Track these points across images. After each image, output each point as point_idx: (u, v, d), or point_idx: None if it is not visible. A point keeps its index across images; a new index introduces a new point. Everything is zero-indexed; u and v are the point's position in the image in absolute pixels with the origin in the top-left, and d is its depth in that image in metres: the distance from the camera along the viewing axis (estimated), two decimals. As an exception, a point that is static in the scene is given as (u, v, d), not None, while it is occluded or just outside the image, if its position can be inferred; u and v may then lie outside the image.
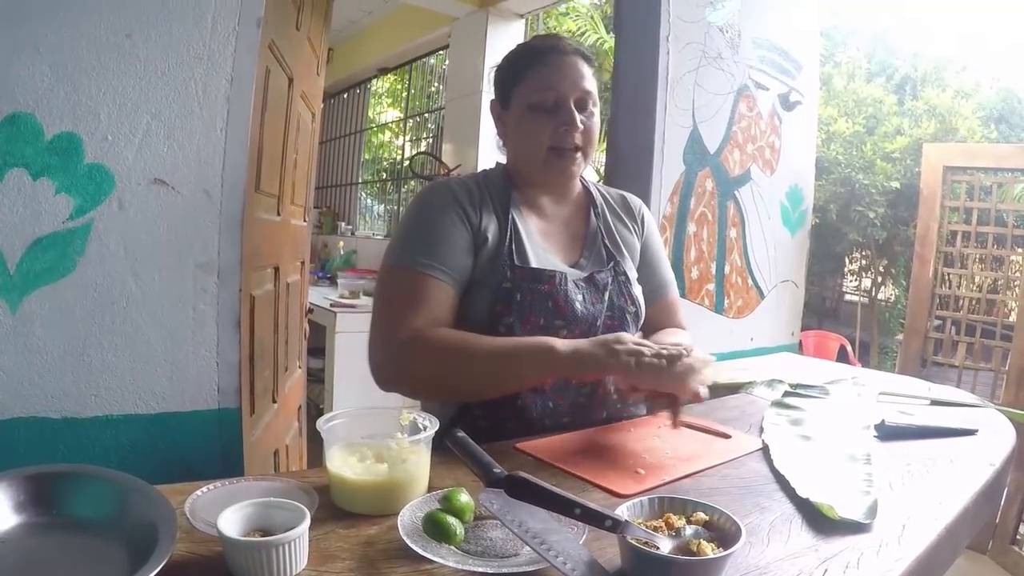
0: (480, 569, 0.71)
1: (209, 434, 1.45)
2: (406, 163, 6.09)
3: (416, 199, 1.35)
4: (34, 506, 0.74)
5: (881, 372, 2.15)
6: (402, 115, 6.78)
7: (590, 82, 1.33)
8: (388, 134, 7.36)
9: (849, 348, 5.16)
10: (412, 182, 6.00)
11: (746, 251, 2.77)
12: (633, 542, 0.69)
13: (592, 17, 5.87)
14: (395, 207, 6.56)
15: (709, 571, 0.69)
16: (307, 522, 0.70)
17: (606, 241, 1.42)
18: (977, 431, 1.34)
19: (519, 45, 1.42)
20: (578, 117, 1.30)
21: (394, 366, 1.20)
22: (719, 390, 1.63)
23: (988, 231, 3.34)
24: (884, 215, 5.65)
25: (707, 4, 2.47)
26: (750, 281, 2.81)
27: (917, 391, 1.67)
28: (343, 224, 6.60)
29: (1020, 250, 4.25)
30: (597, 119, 1.36)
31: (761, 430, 1.27)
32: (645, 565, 0.69)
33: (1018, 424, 1.47)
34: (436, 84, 6.18)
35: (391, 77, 6.89)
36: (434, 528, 0.76)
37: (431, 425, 0.93)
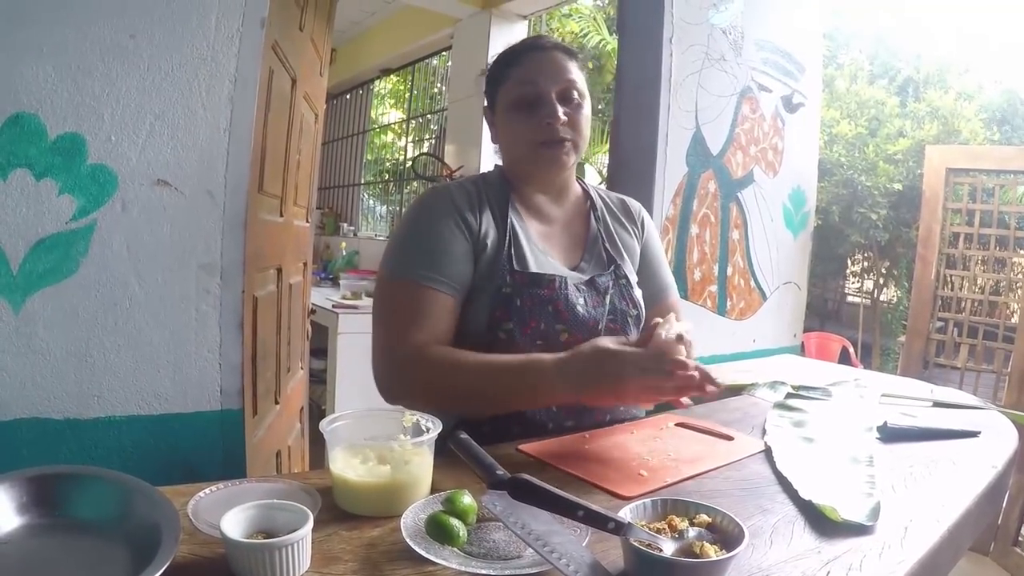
0: (483, 571, 0.71)
1: (211, 435, 1.46)
2: (408, 164, 6.09)
3: (414, 206, 1.33)
4: (37, 507, 0.74)
5: (883, 374, 2.15)
6: (405, 116, 6.78)
7: (573, 73, 1.32)
8: (391, 135, 7.37)
9: (851, 350, 5.16)
10: (415, 183, 6.01)
11: (748, 253, 2.77)
12: (636, 544, 0.69)
13: (595, 19, 5.88)
14: (397, 208, 6.56)
15: (712, 573, 0.69)
16: (310, 524, 0.70)
17: (606, 244, 1.41)
18: (979, 433, 1.34)
19: (504, 50, 1.42)
20: (560, 109, 1.28)
21: (397, 383, 1.19)
22: (721, 392, 1.63)
23: (990, 233, 3.34)
24: (886, 217, 5.65)
25: (710, 6, 2.47)
26: (752, 283, 2.81)
27: (919, 393, 1.67)
28: (345, 225, 6.60)
29: (1022, 252, 4.24)
30: (586, 111, 1.34)
31: (764, 432, 1.27)
32: (648, 567, 0.69)
33: (1020, 426, 1.46)
34: (439, 85, 6.18)
35: (394, 78, 6.90)
36: (437, 530, 0.76)
37: (434, 427, 0.93)
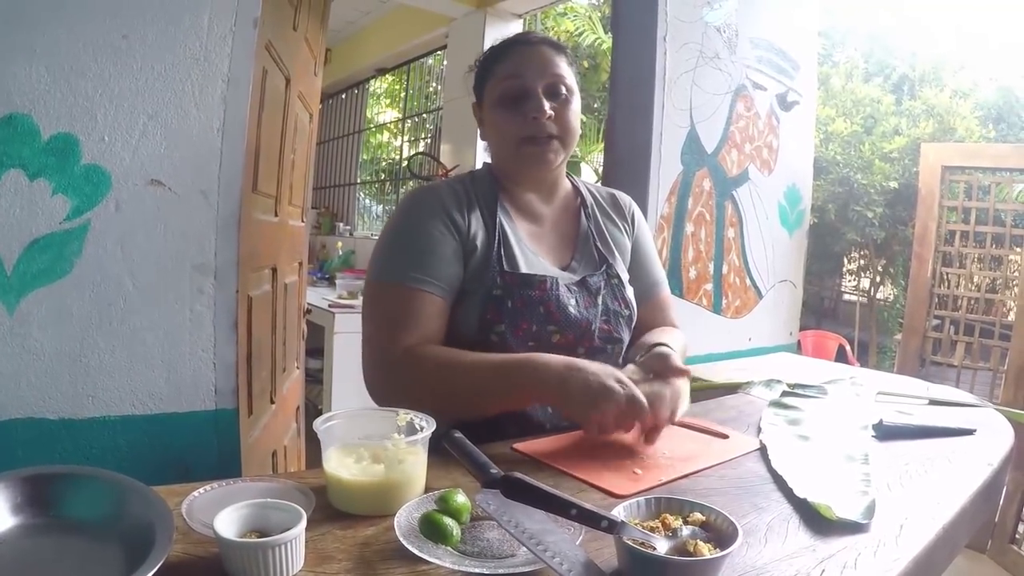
0: (476, 570, 0.71)
1: (206, 435, 1.45)
2: (404, 163, 6.09)
3: (401, 207, 1.31)
4: (31, 507, 0.74)
5: (879, 372, 2.15)
6: (400, 115, 6.78)
7: (561, 68, 1.30)
8: (386, 134, 7.36)
9: (847, 348, 5.16)
10: (410, 182, 6.00)
11: (744, 251, 2.77)
12: (629, 543, 0.69)
13: (590, 17, 5.87)
14: (393, 208, 6.55)
15: (706, 572, 0.69)
16: (303, 523, 0.70)
17: (598, 243, 1.40)
18: (975, 431, 1.34)
19: (491, 46, 1.40)
20: (547, 104, 1.26)
21: (388, 386, 1.18)
22: (717, 390, 1.64)
23: (986, 231, 3.34)
24: (882, 215, 5.65)
25: (704, 4, 2.48)
26: (748, 281, 2.81)
27: (915, 391, 1.67)
28: (341, 224, 6.61)
29: (1018, 249, 4.24)
30: (575, 107, 1.32)
31: (759, 430, 1.27)
32: (641, 566, 0.69)
33: (1016, 424, 1.47)
34: (434, 84, 6.18)
35: (389, 78, 6.90)
36: (430, 529, 0.76)
37: (428, 426, 0.93)
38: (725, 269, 2.70)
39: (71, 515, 0.74)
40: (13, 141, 1.23)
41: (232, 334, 1.47)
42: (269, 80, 1.71)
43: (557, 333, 1.25)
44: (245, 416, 1.58)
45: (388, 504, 0.84)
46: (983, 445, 1.28)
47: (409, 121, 6.56)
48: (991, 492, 1.17)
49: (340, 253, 5.76)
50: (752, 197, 2.78)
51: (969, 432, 1.34)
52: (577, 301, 1.29)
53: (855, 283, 7.83)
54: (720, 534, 0.74)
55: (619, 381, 1.06)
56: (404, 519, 0.79)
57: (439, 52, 5.66)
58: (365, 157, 7.38)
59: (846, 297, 8.38)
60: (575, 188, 1.47)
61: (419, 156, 5.78)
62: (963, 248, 3.41)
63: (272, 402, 1.95)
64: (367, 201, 7.39)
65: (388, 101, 7.46)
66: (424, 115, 6.27)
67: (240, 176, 1.46)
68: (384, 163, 7.41)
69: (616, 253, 1.42)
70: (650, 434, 1.11)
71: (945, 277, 3.53)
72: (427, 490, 0.90)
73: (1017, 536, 2.87)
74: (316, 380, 3.93)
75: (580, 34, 5.73)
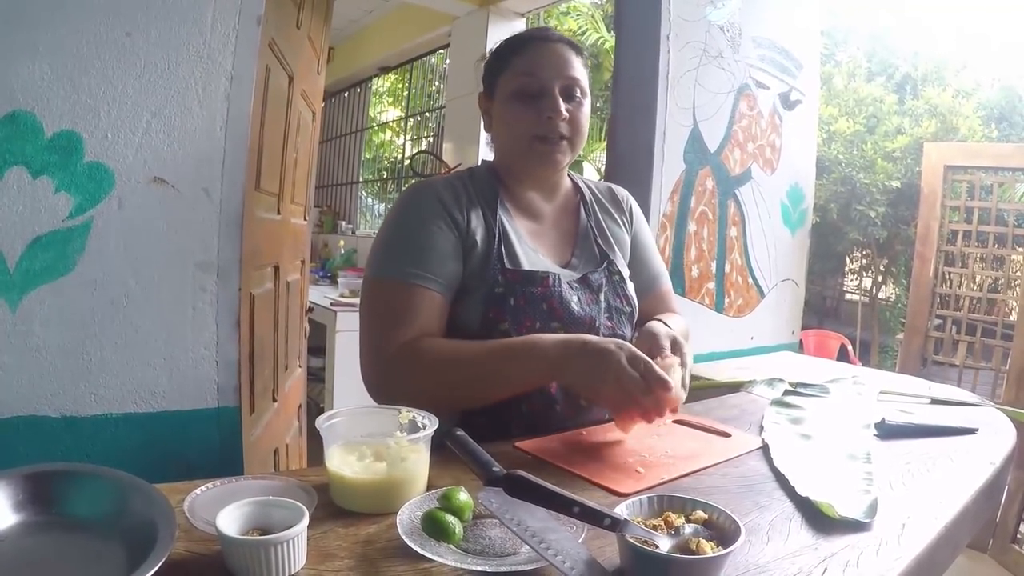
0: (479, 568, 0.71)
1: (208, 433, 1.45)
2: (407, 162, 6.09)
3: (399, 203, 1.29)
4: (33, 505, 0.74)
5: (881, 371, 2.15)
6: (403, 114, 6.79)
7: (578, 71, 1.29)
8: (389, 133, 7.37)
9: (849, 347, 5.16)
10: (413, 181, 5.99)
11: (746, 250, 2.77)
12: (632, 541, 0.69)
13: (593, 16, 5.87)
14: (395, 206, 6.55)
15: (708, 570, 0.69)
16: (306, 520, 0.70)
17: (598, 240, 1.39)
18: (977, 430, 1.34)
19: (507, 37, 1.38)
20: (563, 105, 1.26)
21: (386, 383, 1.17)
22: (719, 388, 1.63)
23: (989, 230, 3.34)
24: (885, 214, 5.65)
25: (708, 3, 2.47)
26: (750, 280, 2.81)
27: (917, 390, 1.67)
28: (344, 223, 6.61)
29: (1021, 249, 4.24)
30: (587, 109, 1.31)
31: (761, 429, 1.27)
32: (644, 564, 0.69)
33: (1018, 423, 1.47)
34: (437, 83, 6.18)
35: (392, 76, 6.90)
36: (433, 527, 0.76)
37: (430, 424, 0.93)
38: (727, 268, 2.70)
39: (73, 513, 0.74)
40: (16, 138, 1.23)
41: (234, 332, 1.47)
42: (272, 78, 1.71)
43: (561, 329, 1.24)
44: (247, 414, 1.59)
45: (390, 502, 0.84)
46: (985, 444, 1.28)
47: (412, 120, 6.57)
48: (993, 491, 1.17)
49: (342, 251, 5.77)
50: (755, 196, 2.77)
51: (971, 431, 1.34)
52: (579, 298, 1.29)
53: (857, 282, 7.83)
54: (722, 532, 0.73)
55: (619, 346, 1.05)
56: (406, 517, 0.79)
57: (442, 51, 5.66)
58: (368, 156, 7.38)
59: (848, 296, 8.38)
60: (574, 185, 1.46)
61: (421, 155, 5.79)
62: (965, 248, 3.41)
63: (274, 400, 1.96)
64: (369, 200, 7.39)
65: (391, 99, 7.47)
66: (427, 114, 6.27)
67: (243, 174, 1.46)
68: (386, 162, 7.41)
69: (616, 249, 1.41)
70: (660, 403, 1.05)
71: (947, 277, 3.53)
72: (429, 488, 0.90)
73: (1019, 535, 2.87)
74: (318, 378, 3.93)
75: (583, 33, 5.74)
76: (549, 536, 0.71)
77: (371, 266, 1.24)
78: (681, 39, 2.39)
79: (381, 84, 7.22)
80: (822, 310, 8.12)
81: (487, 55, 1.38)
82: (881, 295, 6.74)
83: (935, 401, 1.59)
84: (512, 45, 1.32)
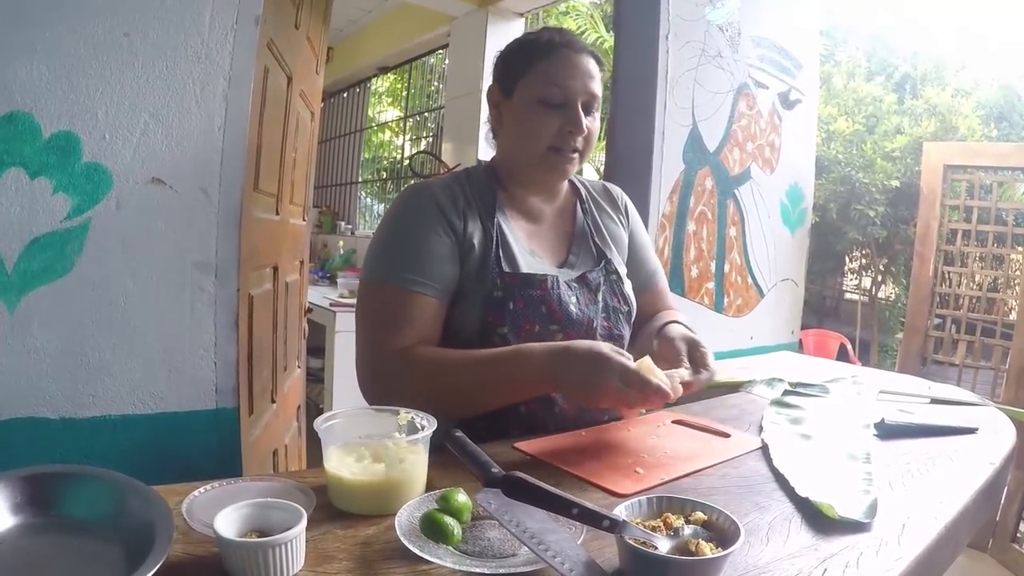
0: (477, 569, 0.71)
1: (207, 434, 1.45)
2: (406, 162, 6.09)
3: (395, 206, 1.28)
4: (31, 507, 0.74)
5: (881, 370, 2.15)
6: (402, 114, 6.78)
7: (598, 85, 1.28)
8: (388, 133, 7.36)
9: (849, 347, 5.16)
10: (412, 181, 5.99)
11: (746, 250, 2.77)
12: (631, 542, 0.69)
13: (592, 16, 5.86)
14: (394, 206, 6.54)
15: (708, 571, 0.69)
16: (304, 523, 0.70)
17: (595, 238, 1.39)
18: (977, 429, 1.34)
19: (530, 33, 1.35)
20: (584, 120, 1.25)
21: (382, 389, 1.17)
22: (719, 388, 1.63)
23: (988, 230, 3.34)
24: (884, 214, 5.65)
25: (707, 3, 2.47)
26: (750, 280, 2.81)
27: (917, 389, 1.67)
28: (343, 223, 6.60)
29: (1020, 248, 4.24)
30: (598, 123, 1.31)
31: (760, 429, 1.27)
32: (643, 565, 0.69)
33: (1018, 422, 1.46)
34: (436, 83, 6.18)
35: (391, 76, 6.89)
36: (431, 528, 0.76)
37: (429, 425, 0.92)
38: (727, 268, 2.70)
39: (71, 514, 0.74)
40: (14, 139, 1.23)
41: (233, 333, 1.47)
42: (271, 78, 1.71)
43: (560, 332, 1.25)
44: (246, 415, 1.58)
45: (389, 503, 0.84)
46: (985, 444, 1.28)
47: (411, 120, 6.56)
48: (993, 491, 1.17)
49: (341, 252, 5.76)
50: (754, 196, 2.77)
51: (971, 431, 1.33)
52: (578, 299, 1.28)
53: (857, 282, 7.82)
54: (722, 533, 0.73)
55: (614, 349, 1.05)
56: (405, 518, 0.79)
57: (441, 51, 5.66)
58: (367, 156, 7.37)
59: (848, 296, 8.38)
60: (571, 184, 1.46)
61: (420, 155, 5.78)
62: (965, 247, 3.41)
63: (273, 401, 1.95)
64: (368, 200, 7.39)
65: (390, 100, 7.46)
66: (426, 114, 6.27)
67: (241, 174, 1.46)
68: (386, 162, 7.40)
69: (613, 247, 1.41)
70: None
71: (947, 276, 3.53)
72: (428, 489, 0.90)
73: (1019, 535, 2.87)
74: (317, 379, 3.93)
75: (582, 33, 5.72)
76: (548, 537, 0.71)
77: (367, 269, 1.24)
78: (680, 39, 2.39)
79: (380, 84, 7.22)
80: (822, 310, 8.11)
81: (508, 48, 1.34)
82: (881, 294, 6.74)
83: (935, 401, 1.59)
84: (539, 49, 1.28)
